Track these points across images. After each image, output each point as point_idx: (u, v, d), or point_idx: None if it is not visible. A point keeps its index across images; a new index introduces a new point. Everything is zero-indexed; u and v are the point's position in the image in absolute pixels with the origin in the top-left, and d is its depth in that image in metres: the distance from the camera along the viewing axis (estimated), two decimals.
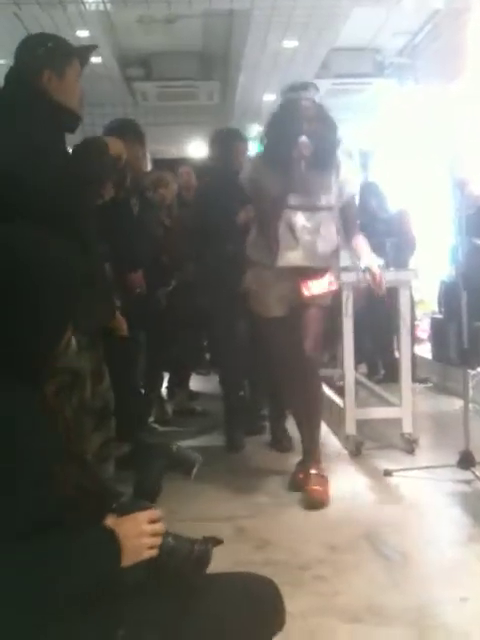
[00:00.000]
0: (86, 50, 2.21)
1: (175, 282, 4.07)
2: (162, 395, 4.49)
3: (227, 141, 3.92)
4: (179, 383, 4.64)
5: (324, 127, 2.89)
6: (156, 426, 4.14)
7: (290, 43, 6.46)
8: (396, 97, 7.58)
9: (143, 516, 1.18)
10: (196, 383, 5.15)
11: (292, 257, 2.94)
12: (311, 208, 2.93)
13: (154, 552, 1.15)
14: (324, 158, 2.89)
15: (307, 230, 2.92)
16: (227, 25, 6.73)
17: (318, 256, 2.95)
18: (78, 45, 2.22)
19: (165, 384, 4.64)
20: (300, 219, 2.91)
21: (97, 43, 6.45)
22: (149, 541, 1.14)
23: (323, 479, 2.94)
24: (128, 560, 1.11)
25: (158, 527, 1.18)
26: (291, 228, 2.91)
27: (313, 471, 2.95)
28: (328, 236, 2.97)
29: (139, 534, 1.14)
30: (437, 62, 6.53)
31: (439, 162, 5.60)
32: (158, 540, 1.17)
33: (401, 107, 7.42)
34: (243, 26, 6.21)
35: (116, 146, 2.25)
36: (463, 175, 3.66)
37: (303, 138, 2.80)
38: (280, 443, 3.71)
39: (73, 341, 2.04)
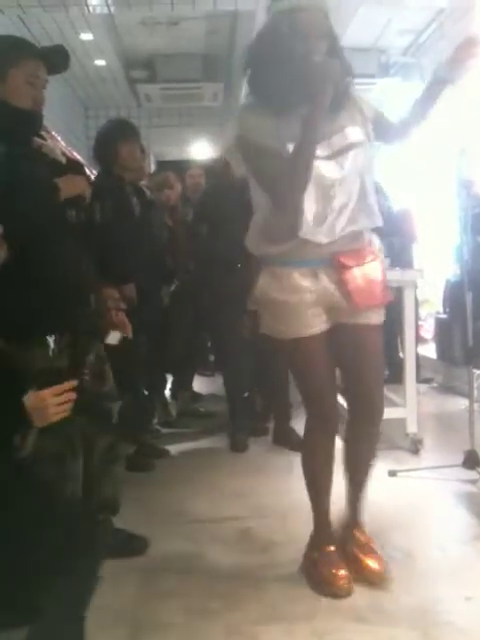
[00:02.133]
0: (48, 50, 2.20)
1: (177, 282, 4.07)
2: (166, 397, 4.49)
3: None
4: (183, 384, 4.64)
5: (338, 52, 2.01)
6: (159, 428, 4.14)
7: None
8: (401, 96, 7.56)
9: (47, 392, 1.55)
10: (200, 384, 5.14)
11: (335, 226, 1.99)
12: (343, 150, 1.99)
13: (61, 416, 1.56)
14: (342, 93, 1.99)
15: (347, 183, 1.99)
16: (231, 26, 6.74)
17: (373, 214, 2.07)
18: (42, 46, 2.21)
19: (169, 386, 4.63)
20: (332, 170, 1.97)
21: (101, 46, 6.61)
22: (53, 409, 1.53)
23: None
24: (39, 422, 1.53)
25: (64, 397, 1.56)
26: (324, 187, 1.96)
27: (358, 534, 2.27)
28: (371, 186, 2.08)
29: (43, 405, 1.52)
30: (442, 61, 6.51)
31: (444, 161, 5.58)
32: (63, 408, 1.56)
33: (406, 106, 7.39)
34: (247, 27, 6.20)
35: (76, 186, 2.23)
36: (469, 174, 3.64)
37: (319, 57, 1.90)
38: (289, 439, 3.66)
39: (50, 342, 2.08)
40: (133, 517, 2.65)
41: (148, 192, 3.74)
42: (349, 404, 2.26)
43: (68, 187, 2.14)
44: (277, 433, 3.82)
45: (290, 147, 1.91)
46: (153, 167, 8.00)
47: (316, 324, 2.08)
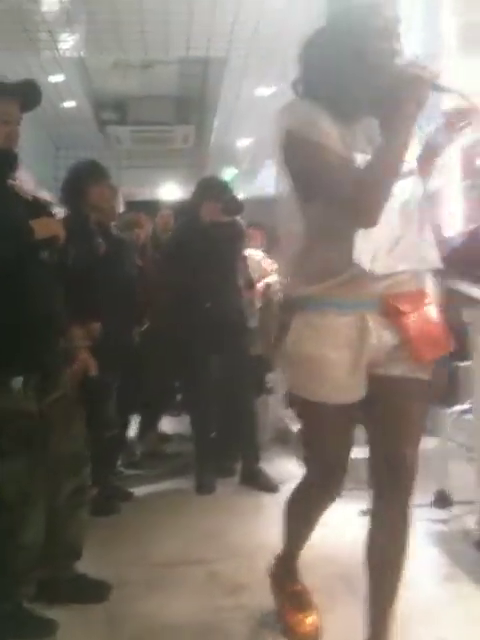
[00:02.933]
0: (19, 86, 2.21)
1: (148, 321, 4.04)
2: (130, 437, 4.39)
3: (200, 193, 3.85)
4: (149, 425, 4.56)
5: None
6: (122, 469, 4.05)
7: (265, 90, 6.61)
8: None
9: None
10: (166, 424, 5.06)
11: (393, 258, 1.66)
12: (403, 174, 1.68)
13: None
14: None
15: (407, 210, 1.69)
16: (203, 71, 6.87)
17: (432, 253, 1.74)
18: (12, 82, 2.22)
19: (135, 426, 4.54)
20: (394, 193, 1.61)
21: (71, 87, 6.67)
22: None
23: None
24: None
25: None
26: (384, 211, 1.60)
27: None
28: (427, 222, 1.76)
29: None
30: None
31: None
32: None
33: None
34: (218, 72, 6.34)
35: (50, 228, 2.23)
36: (435, 218, 3.70)
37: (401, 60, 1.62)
38: (257, 480, 3.63)
39: (17, 382, 2.05)
40: (95, 562, 2.56)
41: (116, 231, 3.74)
42: (374, 473, 1.85)
43: (42, 229, 2.15)
44: (245, 474, 3.75)
45: (357, 157, 1.61)
46: (122, 207, 8.04)
47: (354, 390, 1.73)
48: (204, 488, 3.65)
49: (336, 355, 1.68)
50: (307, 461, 1.95)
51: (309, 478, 1.98)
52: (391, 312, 1.68)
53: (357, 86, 1.63)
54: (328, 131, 1.61)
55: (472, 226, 4.55)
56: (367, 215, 1.57)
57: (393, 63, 1.60)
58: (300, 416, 1.92)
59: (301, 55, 1.73)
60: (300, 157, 1.64)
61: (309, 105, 1.66)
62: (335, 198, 1.61)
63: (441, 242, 3.88)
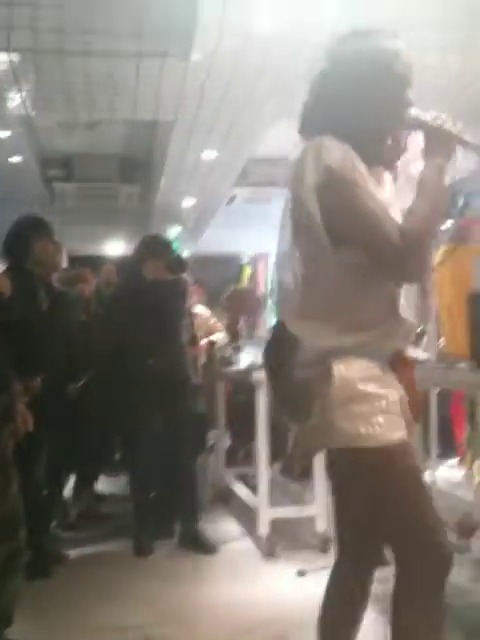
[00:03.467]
0: None
1: (88, 376, 3.98)
2: (65, 497, 4.27)
3: (142, 250, 3.88)
4: (86, 484, 4.44)
5: None
6: (58, 531, 3.91)
7: (210, 154, 6.76)
8: None
9: None
10: (103, 484, 4.94)
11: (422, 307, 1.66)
12: None
13: None
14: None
15: None
16: (149, 131, 6.99)
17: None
18: None
19: (70, 485, 4.42)
20: None
21: (17, 143, 6.67)
22: None
23: None
24: None
25: None
26: None
27: None
28: None
29: None
30: None
31: None
32: None
33: None
34: (165, 134, 6.46)
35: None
36: None
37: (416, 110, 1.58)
38: (196, 542, 3.58)
39: None
40: (28, 627, 2.47)
41: (58, 285, 3.72)
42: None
43: None
44: (184, 535, 3.68)
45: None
46: (66, 263, 8.02)
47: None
48: (142, 550, 3.57)
49: (394, 394, 1.53)
50: (412, 548, 1.51)
51: (421, 583, 1.50)
52: (401, 365, 1.60)
53: (379, 133, 1.58)
54: (366, 175, 1.49)
55: None
56: (415, 270, 1.51)
57: (415, 113, 1.57)
58: (374, 481, 1.52)
59: (318, 96, 1.61)
60: (339, 197, 1.48)
61: (345, 147, 1.49)
62: (377, 249, 1.48)
63: None
